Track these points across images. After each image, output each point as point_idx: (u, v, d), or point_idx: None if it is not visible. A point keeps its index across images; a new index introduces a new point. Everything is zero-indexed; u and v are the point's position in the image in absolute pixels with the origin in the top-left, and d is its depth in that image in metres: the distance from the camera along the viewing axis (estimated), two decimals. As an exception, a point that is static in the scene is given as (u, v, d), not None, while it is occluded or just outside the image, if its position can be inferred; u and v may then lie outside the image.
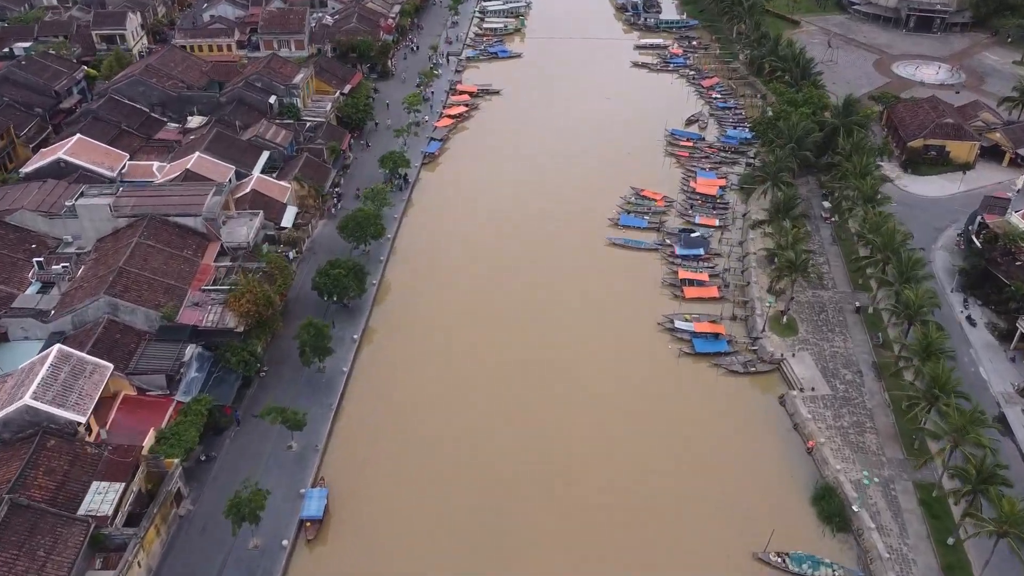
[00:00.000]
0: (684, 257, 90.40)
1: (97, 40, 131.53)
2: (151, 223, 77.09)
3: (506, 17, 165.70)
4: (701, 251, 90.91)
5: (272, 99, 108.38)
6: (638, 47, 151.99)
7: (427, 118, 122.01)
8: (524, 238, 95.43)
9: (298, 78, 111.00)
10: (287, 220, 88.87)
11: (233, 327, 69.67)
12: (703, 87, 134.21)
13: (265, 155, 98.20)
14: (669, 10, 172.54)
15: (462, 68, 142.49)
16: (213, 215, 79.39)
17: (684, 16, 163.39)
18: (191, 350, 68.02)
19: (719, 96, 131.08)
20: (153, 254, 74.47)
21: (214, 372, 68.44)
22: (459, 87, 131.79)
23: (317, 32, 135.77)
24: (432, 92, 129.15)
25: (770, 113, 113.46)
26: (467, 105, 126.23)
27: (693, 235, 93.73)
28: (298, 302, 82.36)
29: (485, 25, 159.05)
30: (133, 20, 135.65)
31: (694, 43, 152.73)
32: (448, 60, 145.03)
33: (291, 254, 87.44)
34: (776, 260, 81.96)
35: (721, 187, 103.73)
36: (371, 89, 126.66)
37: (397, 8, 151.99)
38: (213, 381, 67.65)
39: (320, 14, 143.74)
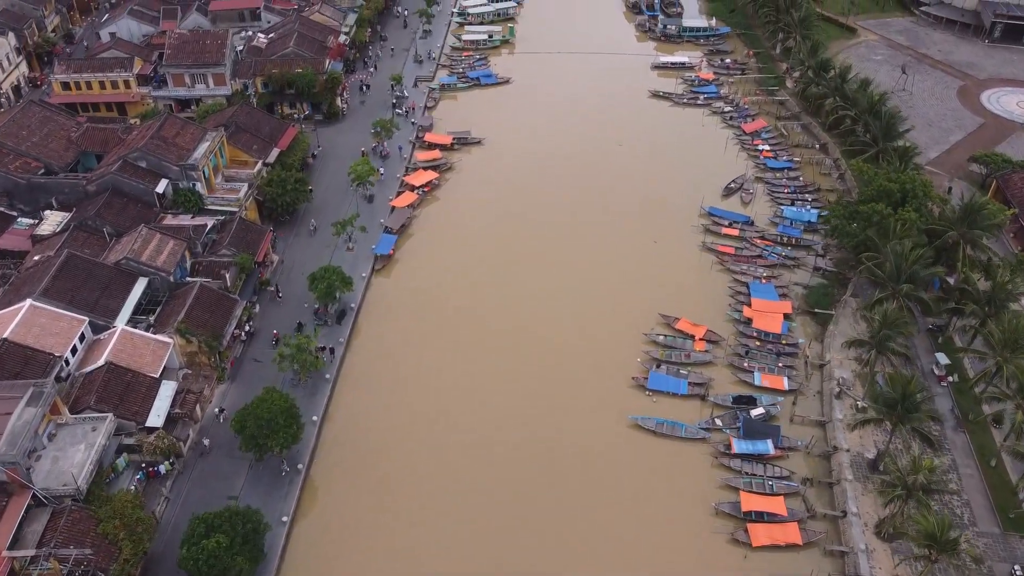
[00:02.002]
0: (746, 457, 61.89)
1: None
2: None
3: (491, 23, 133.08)
4: (769, 445, 62.28)
5: (162, 186, 77.98)
6: (657, 67, 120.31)
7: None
8: (512, 412, 66.62)
9: (200, 151, 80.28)
10: (157, 414, 59.78)
11: None
12: (745, 132, 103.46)
13: (141, 285, 68.72)
14: (691, 7, 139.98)
15: (434, 102, 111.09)
16: (15, 459, 50.15)
17: (712, 22, 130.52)
18: None
19: (767, 147, 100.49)
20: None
21: None
22: (428, 138, 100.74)
23: (244, 61, 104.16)
24: (386, 153, 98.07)
25: (849, 197, 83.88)
26: (436, 168, 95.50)
27: (756, 413, 64.90)
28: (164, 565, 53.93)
29: (465, 36, 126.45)
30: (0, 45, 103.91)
31: (728, 62, 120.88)
32: (416, 86, 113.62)
33: (162, 468, 58.73)
34: (882, 466, 54.52)
35: (787, 316, 74.39)
36: (310, 148, 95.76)
37: (352, 19, 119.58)
38: None
39: (250, 32, 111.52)
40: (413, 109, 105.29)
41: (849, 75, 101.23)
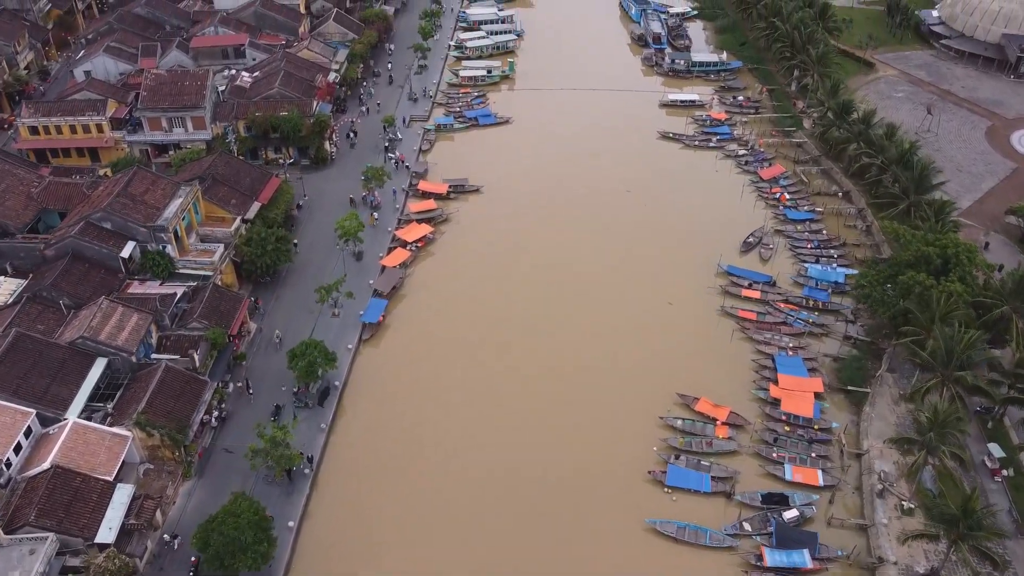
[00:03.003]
0: (780, 571, 54.40)
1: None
2: None
3: (490, 56, 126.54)
4: (806, 556, 54.81)
5: (128, 249, 70.87)
6: (665, 105, 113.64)
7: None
8: (513, 512, 59.07)
9: (171, 209, 73.21)
10: (108, 527, 52.29)
11: None
12: (762, 179, 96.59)
13: (99, 367, 61.48)
14: (699, 40, 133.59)
15: (429, 144, 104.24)
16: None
17: (723, 56, 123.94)
18: None
19: (786, 195, 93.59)
20: None
21: None
22: (422, 186, 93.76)
23: (226, 102, 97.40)
24: (377, 203, 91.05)
25: (877, 253, 76.90)
26: (431, 220, 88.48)
27: (789, 517, 57.48)
28: None
29: (463, 72, 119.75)
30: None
31: (740, 100, 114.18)
32: (409, 126, 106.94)
33: (112, 593, 51.14)
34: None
35: (818, 396, 67.10)
36: (294, 199, 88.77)
37: (343, 55, 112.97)
38: None
39: (234, 70, 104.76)
40: (403, 161, 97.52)
41: (873, 119, 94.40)
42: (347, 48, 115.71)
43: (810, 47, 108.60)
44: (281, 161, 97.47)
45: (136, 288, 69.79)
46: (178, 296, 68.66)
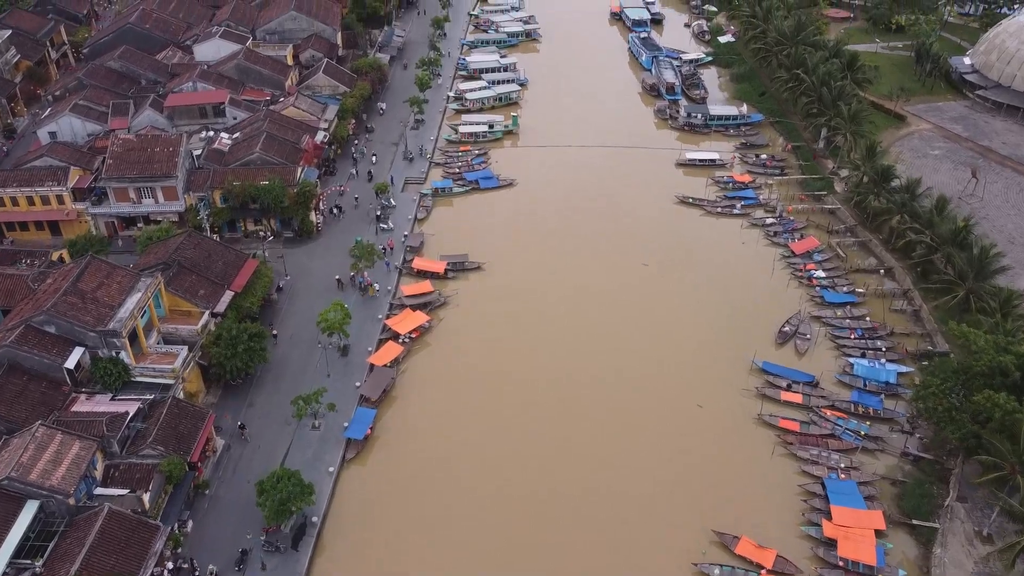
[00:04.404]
0: None
1: None
2: None
3: (492, 109, 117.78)
4: None
5: (74, 358, 61.30)
6: (683, 164, 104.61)
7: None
8: None
9: (127, 307, 63.66)
10: None
11: None
12: (794, 253, 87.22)
13: (28, 513, 51.65)
14: (714, 88, 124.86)
15: (426, 212, 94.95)
16: None
17: (743, 109, 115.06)
18: None
19: (821, 273, 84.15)
20: None
21: None
22: (417, 264, 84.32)
23: (202, 169, 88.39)
24: (367, 283, 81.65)
25: (930, 344, 67.32)
26: (427, 306, 78.99)
27: None
28: None
29: (463, 128, 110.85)
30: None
31: (764, 159, 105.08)
32: (404, 190, 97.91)
33: None
34: None
35: (879, 535, 57.09)
36: (274, 282, 79.34)
37: (332, 111, 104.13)
38: None
39: (212, 132, 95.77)
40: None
41: (919, 189, 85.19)
42: (338, 102, 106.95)
43: (840, 103, 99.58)
44: (262, 233, 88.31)
45: (83, 405, 60.11)
46: (131, 415, 58.86)
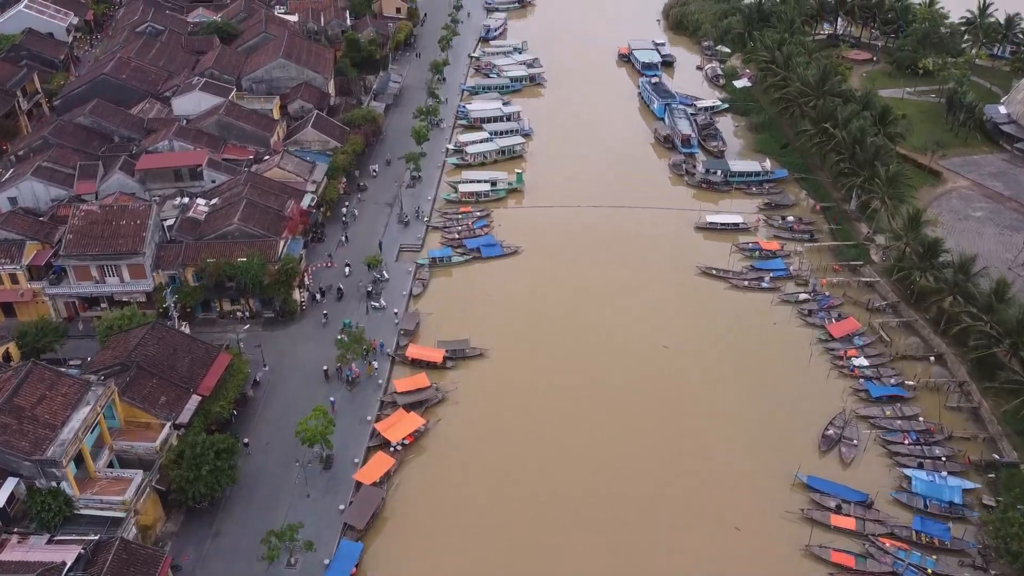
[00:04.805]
0: None
1: None
2: None
3: (495, 163, 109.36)
4: None
5: (6, 492, 52.07)
6: (702, 228, 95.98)
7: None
8: None
9: (71, 426, 54.44)
10: None
11: None
12: (832, 337, 78.25)
13: None
14: (731, 138, 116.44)
15: (422, 285, 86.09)
16: None
17: (765, 164, 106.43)
18: None
19: (864, 361, 75.08)
20: None
21: None
22: (411, 353, 75.13)
23: (172, 244, 79.68)
24: (356, 376, 72.37)
25: (996, 450, 58.14)
26: (423, 404, 69.75)
27: None
28: None
29: (463, 186, 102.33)
30: None
31: (792, 223, 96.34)
32: (397, 258, 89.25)
33: None
34: None
35: None
36: (249, 377, 70.25)
37: (321, 170, 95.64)
38: None
39: (187, 199, 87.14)
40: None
41: (973, 268, 76.34)
42: (327, 159, 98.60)
43: (877, 163, 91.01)
44: (239, 314, 79.51)
45: (13, 551, 50.82)
46: (68, 565, 49.52)
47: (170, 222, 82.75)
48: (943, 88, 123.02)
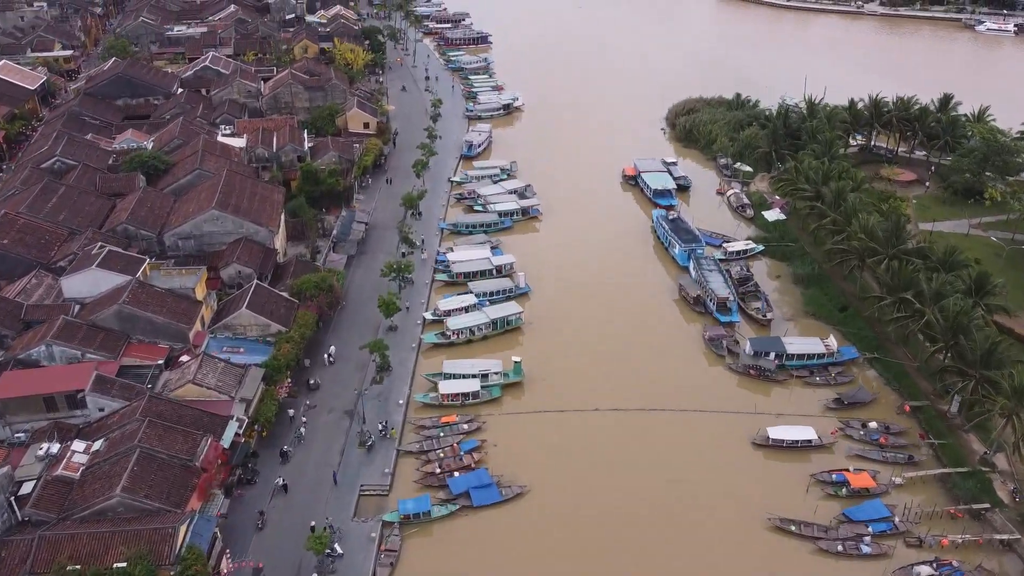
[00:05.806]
0: None
1: None
2: None
3: (484, 339, 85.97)
4: None
5: None
6: (761, 446, 72.41)
7: None
8: None
9: None
10: None
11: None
12: (980, 652, 54.43)
13: None
14: (767, 285, 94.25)
15: (390, 564, 60.48)
16: None
17: (830, 343, 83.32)
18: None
19: None
20: None
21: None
22: None
23: (25, 529, 54.49)
24: None
25: None
26: None
27: None
28: None
29: (444, 387, 77.96)
30: None
31: (878, 436, 72.83)
32: (355, 512, 64.65)
33: None
34: None
35: None
36: None
37: (256, 379, 71.18)
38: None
39: (57, 445, 61.96)
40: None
41: None
42: (267, 353, 74.84)
43: (993, 364, 68.54)
44: (121, 638, 54.09)
45: None
46: None
47: (28, 487, 57.90)
48: (1010, 218, 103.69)
